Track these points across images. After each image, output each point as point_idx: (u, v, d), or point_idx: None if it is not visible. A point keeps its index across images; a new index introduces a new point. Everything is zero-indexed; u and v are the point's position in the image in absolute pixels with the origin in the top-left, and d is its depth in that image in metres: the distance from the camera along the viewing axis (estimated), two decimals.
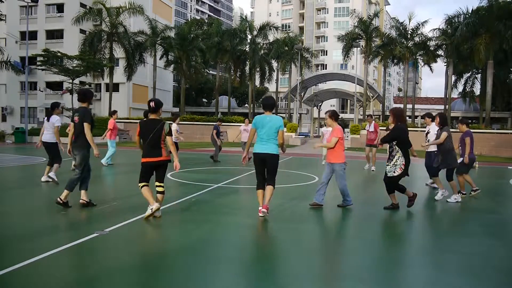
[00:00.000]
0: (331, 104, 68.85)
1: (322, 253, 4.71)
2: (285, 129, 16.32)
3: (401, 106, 39.68)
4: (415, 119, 45.44)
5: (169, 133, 5.67)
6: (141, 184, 5.71)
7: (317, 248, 4.89)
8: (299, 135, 35.80)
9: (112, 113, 13.38)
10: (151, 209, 5.58)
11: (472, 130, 8.61)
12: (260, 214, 5.85)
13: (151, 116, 5.71)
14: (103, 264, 4.08)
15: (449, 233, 5.80)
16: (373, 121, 13.22)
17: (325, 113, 7.10)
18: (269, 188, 5.88)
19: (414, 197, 6.79)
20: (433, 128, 8.89)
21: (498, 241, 5.31)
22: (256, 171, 6.00)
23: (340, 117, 7.68)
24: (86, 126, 6.19)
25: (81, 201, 6.32)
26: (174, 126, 11.57)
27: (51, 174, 8.81)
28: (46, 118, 8.91)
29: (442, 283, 3.76)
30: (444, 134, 7.62)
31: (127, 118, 36.12)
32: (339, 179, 6.72)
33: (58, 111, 8.83)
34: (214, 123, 16.09)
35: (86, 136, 6.21)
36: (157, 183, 5.79)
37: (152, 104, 5.67)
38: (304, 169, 13.65)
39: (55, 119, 8.72)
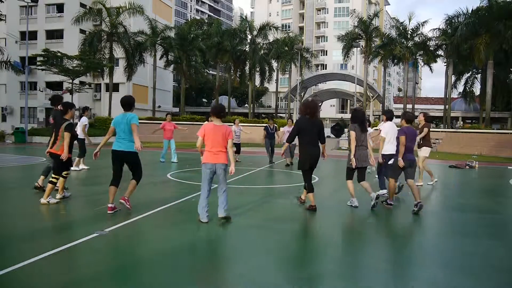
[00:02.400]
0: (331, 104, 68.84)
1: (324, 253, 4.71)
2: (286, 129, 16.21)
3: (401, 106, 39.69)
4: (415, 119, 45.42)
5: (66, 130, 6.57)
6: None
7: (319, 248, 4.89)
8: None
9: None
10: (47, 201, 6.54)
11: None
12: (109, 212, 5.95)
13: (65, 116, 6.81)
14: (103, 264, 4.08)
15: (449, 233, 5.80)
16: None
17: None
18: (132, 182, 6.16)
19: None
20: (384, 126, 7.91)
21: (498, 241, 5.31)
22: (113, 167, 6.09)
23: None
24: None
25: (36, 183, 7.59)
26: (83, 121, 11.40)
27: (81, 165, 11.08)
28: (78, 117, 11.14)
29: (442, 283, 3.76)
30: (352, 134, 6.71)
31: None
32: (223, 183, 5.68)
33: (87, 113, 11.29)
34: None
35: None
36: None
37: (60, 107, 7.03)
38: None
39: (84, 120, 11.03)
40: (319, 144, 6.58)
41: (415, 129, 7.40)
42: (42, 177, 7.60)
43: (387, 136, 7.71)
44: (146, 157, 14.27)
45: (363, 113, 7.10)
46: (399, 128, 7.02)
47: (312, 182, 6.67)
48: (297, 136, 6.55)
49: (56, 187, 6.71)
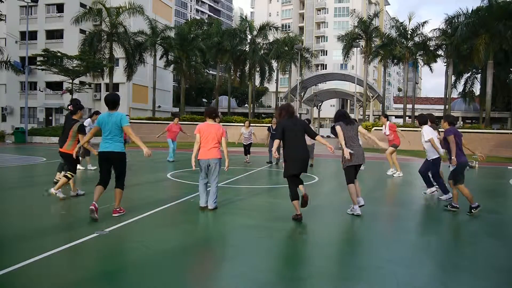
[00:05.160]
0: (331, 104, 68.85)
1: (325, 253, 4.71)
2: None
3: (401, 106, 39.70)
4: (415, 119, 45.38)
5: (79, 131, 6.89)
6: None
7: (320, 248, 4.88)
8: None
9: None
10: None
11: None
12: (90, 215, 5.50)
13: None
14: (103, 264, 4.08)
15: (449, 233, 5.80)
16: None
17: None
18: (116, 191, 5.80)
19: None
20: (425, 130, 7.77)
21: (498, 241, 5.31)
22: (100, 169, 5.79)
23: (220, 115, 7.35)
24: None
25: (55, 179, 7.84)
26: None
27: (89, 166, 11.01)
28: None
29: (442, 283, 3.76)
30: (337, 128, 6.36)
31: None
32: (215, 175, 6.36)
33: (95, 118, 10.01)
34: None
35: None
36: None
37: (70, 107, 7.17)
38: None
39: (87, 122, 10.46)
40: (315, 139, 6.12)
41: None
42: (58, 173, 7.95)
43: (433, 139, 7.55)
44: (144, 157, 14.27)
45: (344, 111, 6.66)
46: (445, 129, 6.72)
47: (296, 188, 5.87)
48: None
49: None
